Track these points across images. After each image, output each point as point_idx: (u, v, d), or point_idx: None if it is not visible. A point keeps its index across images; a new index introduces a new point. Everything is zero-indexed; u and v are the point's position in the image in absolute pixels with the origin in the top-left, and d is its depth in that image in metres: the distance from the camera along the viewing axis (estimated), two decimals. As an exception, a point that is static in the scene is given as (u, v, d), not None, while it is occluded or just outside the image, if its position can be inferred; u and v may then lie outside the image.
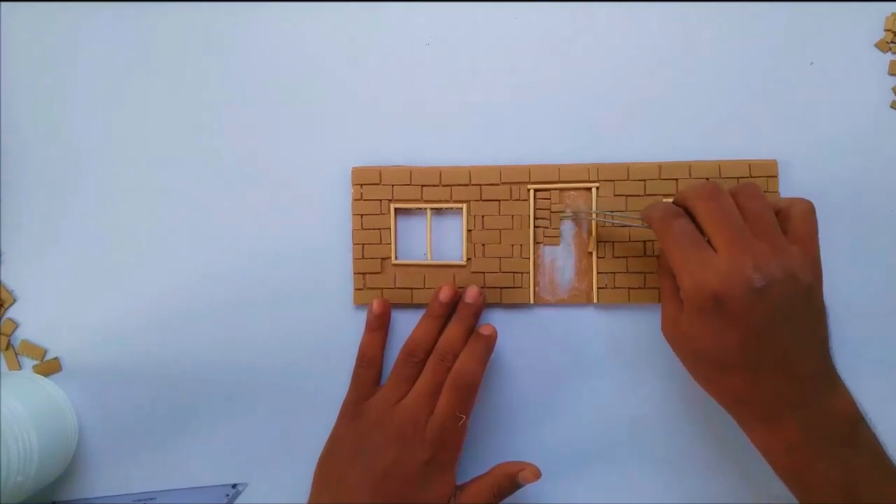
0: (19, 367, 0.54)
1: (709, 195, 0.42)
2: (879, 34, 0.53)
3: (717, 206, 0.42)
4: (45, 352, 0.54)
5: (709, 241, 0.42)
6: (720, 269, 0.39)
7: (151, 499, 0.53)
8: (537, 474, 0.47)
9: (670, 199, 0.50)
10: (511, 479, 0.47)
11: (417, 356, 0.49)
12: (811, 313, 0.42)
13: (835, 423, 0.42)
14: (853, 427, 0.42)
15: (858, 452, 0.42)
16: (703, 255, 0.40)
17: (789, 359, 0.41)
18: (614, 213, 0.51)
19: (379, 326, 0.51)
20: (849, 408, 0.42)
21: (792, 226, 0.43)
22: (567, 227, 0.53)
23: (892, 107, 0.52)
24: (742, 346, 0.40)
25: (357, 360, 0.50)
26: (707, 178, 0.51)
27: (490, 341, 0.50)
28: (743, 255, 0.40)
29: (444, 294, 0.51)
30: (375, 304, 0.52)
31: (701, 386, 0.45)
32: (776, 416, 0.42)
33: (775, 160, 0.51)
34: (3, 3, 0.55)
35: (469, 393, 0.47)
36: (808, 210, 0.43)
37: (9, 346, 0.54)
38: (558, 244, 0.53)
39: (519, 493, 0.48)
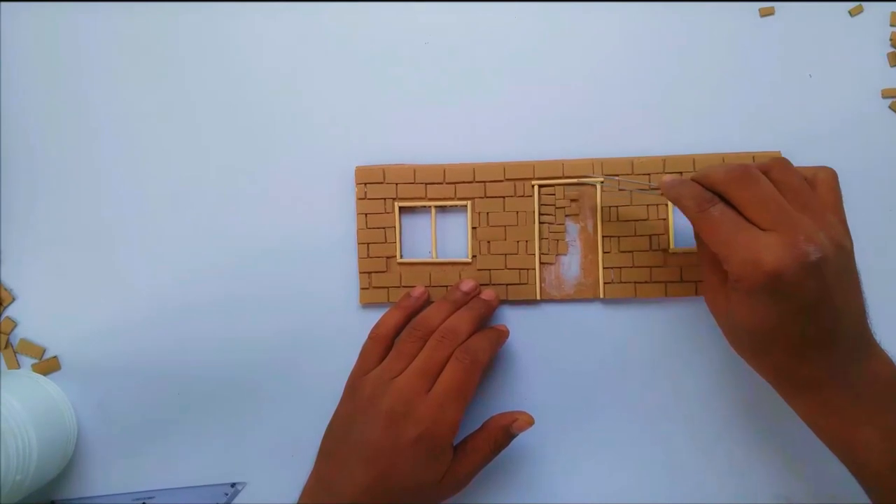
0: (18, 365, 0.53)
1: (745, 181, 0.41)
2: (882, 30, 0.53)
3: (757, 190, 0.41)
4: (44, 350, 0.53)
5: (750, 221, 0.41)
6: (773, 247, 0.39)
7: (150, 497, 0.52)
8: (530, 422, 0.48)
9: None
10: (505, 431, 0.48)
11: (422, 331, 0.48)
12: (853, 279, 0.42)
13: (875, 386, 0.42)
14: (893, 388, 0.42)
15: None
16: (751, 237, 0.40)
17: (835, 329, 0.41)
18: (621, 179, 0.51)
19: (408, 308, 0.51)
20: (887, 369, 0.43)
21: (819, 194, 0.43)
22: (572, 225, 0.53)
23: (890, 108, 0.53)
24: (794, 321, 0.40)
25: (370, 333, 0.50)
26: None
27: (502, 335, 0.51)
28: (793, 231, 0.39)
29: (467, 284, 0.51)
30: (419, 289, 0.52)
31: (742, 357, 0.45)
32: (818, 385, 0.42)
33: (779, 152, 0.52)
34: (3, 4, 0.55)
35: (473, 368, 0.46)
36: (833, 177, 0.44)
37: (8, 344, 0.53)
38: (566, 251, 0.53)
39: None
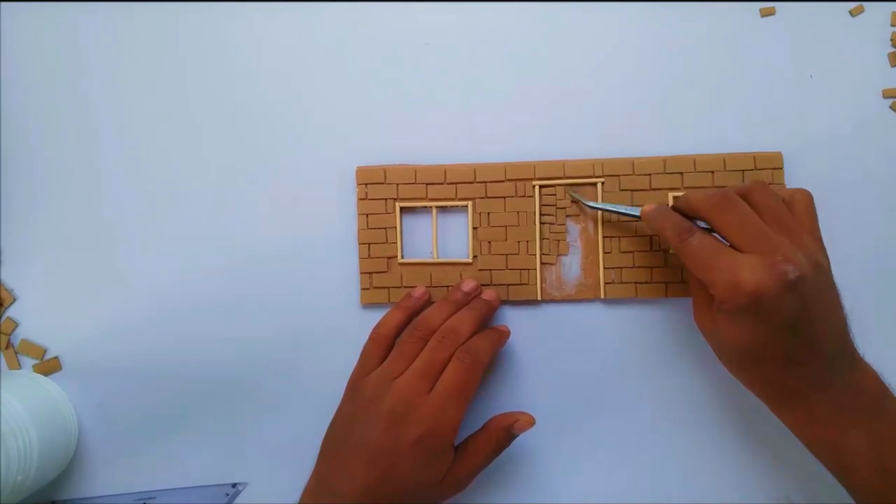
0: (19, 366, 0.53)
1: (724, 206, 0.43)
2: (882, 30, 0.53)
3: (736, 214, 0.43)
4: (45, 351, 0.53)
5: (730, 244, 0.43)
6: (753, 268, 0.40)
7: (151, 498, 0.52)
8: (531, 422, 0.48)
9: (667, 199, 0.52)
10: (506, 431, 0.48)
11: (423, 332, 0.48)
12: (833, 295, 0.43)
13: (860, 398, 0.43)
14: (878, 399, 0.43)
15: (885, 422, 0.43)
16: (731, 260, 0.41)
17: (816, 344, 0.42)
18: (611, 209, 0.51)
19: (409, 308, 0.51)
20: (872, 381, 0.44)
21: (797, 215, 0.44)
22: (573, 225, 0.53)
23: (891, 108, 0.53)
24: (778, 338, 0.41)
25: (371, 334, 0.50)
26: (712, 172, 0.51)
27: (504, 336, 0.51)
28: (772, 252, 0.41)
29: (468, 285, 0.51)
30: (420, 289, 0.52)
31: (731, 373, 0.46)
32: (803, 396, 0.43)
33: (780, 152, 0.52)
34: (2, 4, 0.55)
35: (474, 368, 0.47)
36: (809, 199, 0.45)
37: (9, 345, 0.53)
38: (567, 251, 0.53)
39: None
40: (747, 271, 0.40)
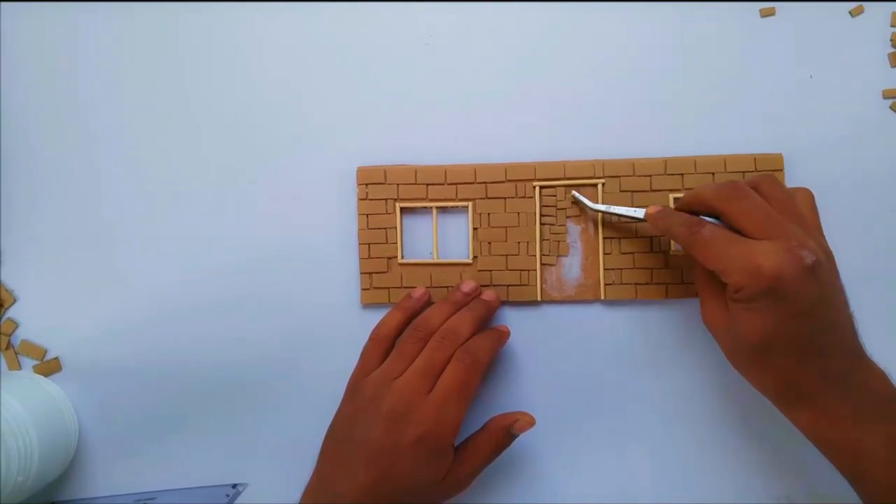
0: (19, 366, 0.53)
1: (736, 195, 0.43)
2: (882, 30, 0.53)
3: (748, 203, 0.43)
4: (46, 352, 0.53)
5: (742, 233, 0.42)
6: (771, 252, 0.40)
7: (151, 498, 0.53)
8: (531, 422, 0.48)
9: (667, 200, 0.52)
10: (506, 431, 0.48)
11: (422, 332, 0.48)
12: (842, 293, 0.43)
13: (872, 397, 0.43)
14: (891, 400, 0.43)
15: None
16: (746, 247, 0.41)
17: (829, 336, 0.42)
18: (613, 211, 0.51)
19: (408, 309, 0.51)
20: (882, 382, 0.43)
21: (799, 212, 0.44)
22: (573, 226, 0.53)
23: (891, 109, 0.53)
24: (796, 325, 0.41)
25: (371, 335, 0.50)
26: (713, 174, 0.52)
27: (503, 336, 0.51)
28: (786, 237, 0.41)
29: (468, 285, 0.51)
30: (420, 290, 0.52)
31: (741, 372, 0.45)
32: (817, 394, 0.43)
33: (780, 154, 0.52)
34: (2, 4, 0.55)
35: (474, 369, 0.47)
36: (812, 197, 0.46)
37: (9, 345, 0.53)
38: (567, 252, 0.53)
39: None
40: (765, 256, 0.40)
